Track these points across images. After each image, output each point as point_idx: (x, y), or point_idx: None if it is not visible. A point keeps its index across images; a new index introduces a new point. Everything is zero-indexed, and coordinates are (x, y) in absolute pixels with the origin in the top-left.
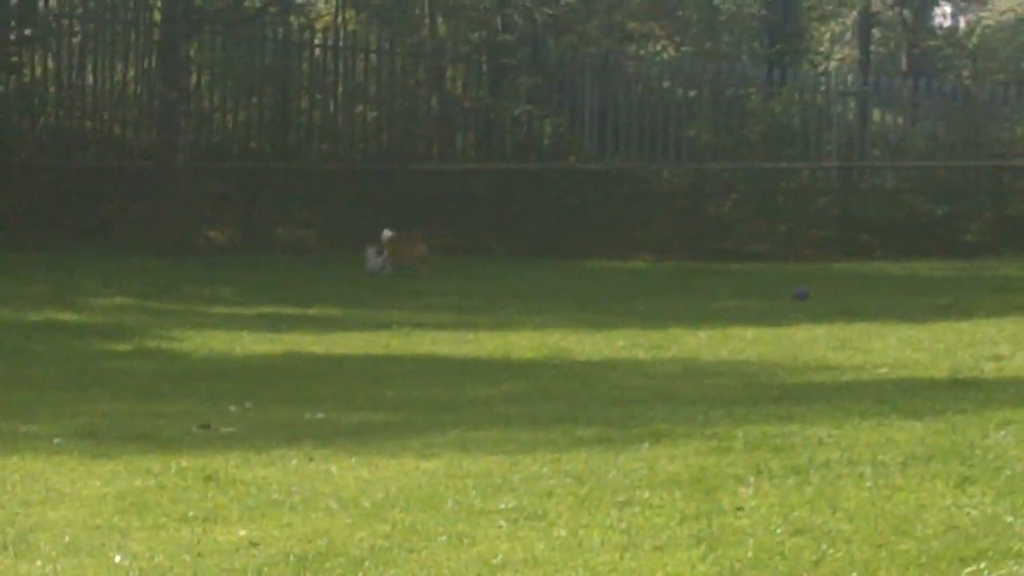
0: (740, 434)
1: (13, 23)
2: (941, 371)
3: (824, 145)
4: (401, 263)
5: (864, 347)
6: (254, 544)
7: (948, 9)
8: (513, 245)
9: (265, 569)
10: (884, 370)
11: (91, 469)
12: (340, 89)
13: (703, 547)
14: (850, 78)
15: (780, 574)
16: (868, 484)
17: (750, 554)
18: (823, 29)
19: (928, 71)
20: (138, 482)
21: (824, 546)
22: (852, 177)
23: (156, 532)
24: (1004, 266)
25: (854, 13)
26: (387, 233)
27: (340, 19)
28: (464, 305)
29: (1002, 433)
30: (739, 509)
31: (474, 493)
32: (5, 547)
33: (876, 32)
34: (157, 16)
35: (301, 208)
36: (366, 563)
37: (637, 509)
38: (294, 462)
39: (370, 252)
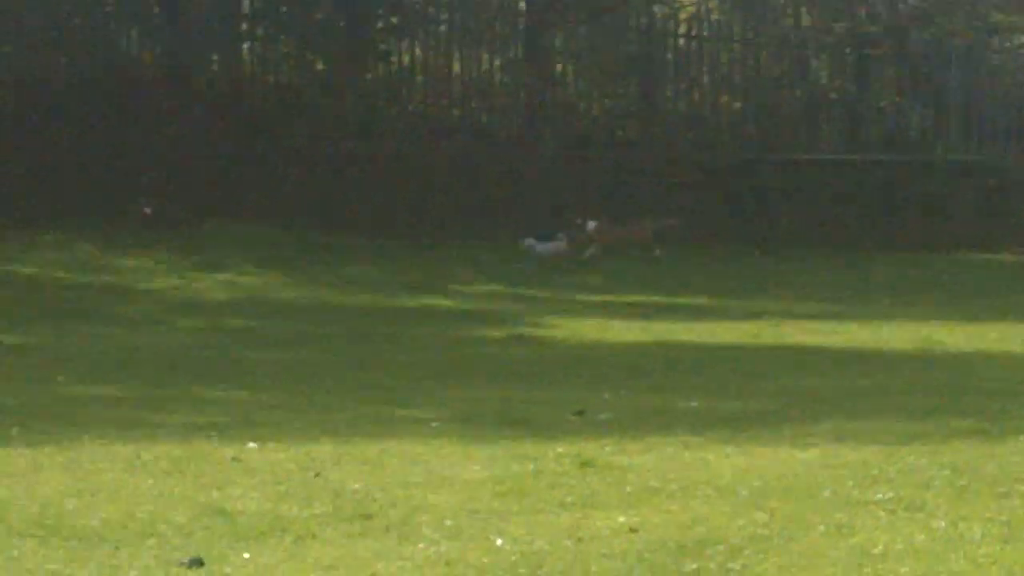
0: None
1: (381, 11)
2: None
3: None
4: (627, 245)
5: None
6: (633, 530)
7: None
8: (878, 237)
9: (646, 555)
10: None
11: (469, 453)
12: (705, 79)
13: None
14: None
15: None
16: None
17: None
18: None
19: None
20: (515, 467)
21: None
22: None
23: (535, 517)
24: None
25: None
26: (591, 224)
27: (703, 8)
28: (833, 296)
29: None
30: None
31: (851, 483)
32: (388, 529)
33: None
34: (523, 5)
35: (666, 197)
36: (746, 551)
37: (1017, 502)
38: (669, 449)
39: (530, 241)
